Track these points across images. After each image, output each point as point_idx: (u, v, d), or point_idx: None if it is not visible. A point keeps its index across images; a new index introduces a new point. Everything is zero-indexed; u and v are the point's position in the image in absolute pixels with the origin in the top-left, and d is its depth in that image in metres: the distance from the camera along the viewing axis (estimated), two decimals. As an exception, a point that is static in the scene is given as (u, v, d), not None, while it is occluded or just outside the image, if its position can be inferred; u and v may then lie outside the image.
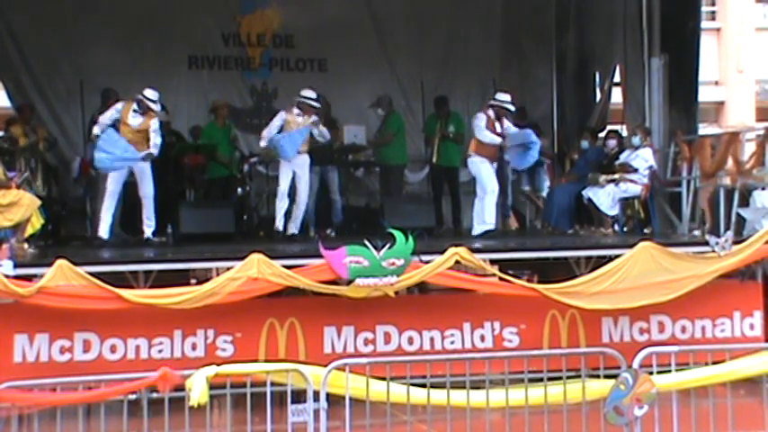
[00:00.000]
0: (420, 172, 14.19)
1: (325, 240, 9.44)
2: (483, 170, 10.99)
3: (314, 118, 10.64)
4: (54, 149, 12.67)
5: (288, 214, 10.73)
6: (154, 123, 10.22)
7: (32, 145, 11.43)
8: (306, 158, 10.73)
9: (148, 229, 10.41)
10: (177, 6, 13.82)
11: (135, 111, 10.14)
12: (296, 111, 10.69)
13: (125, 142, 10.06)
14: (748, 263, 9.38)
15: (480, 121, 11.06)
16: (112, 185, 10.22)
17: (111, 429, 5.96)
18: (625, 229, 11.53)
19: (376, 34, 14.85)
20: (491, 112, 11.09)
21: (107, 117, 10.15)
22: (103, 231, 10.26)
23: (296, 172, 10.67)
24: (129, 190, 10.95)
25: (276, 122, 10.67)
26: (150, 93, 10.21)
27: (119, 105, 10.23)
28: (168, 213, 11.28)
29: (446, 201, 13.09)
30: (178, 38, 13.99)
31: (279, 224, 10.71)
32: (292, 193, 10.73)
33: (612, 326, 9.34)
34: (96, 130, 10.20)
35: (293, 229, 10.70)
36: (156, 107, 10.31)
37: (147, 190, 10.32)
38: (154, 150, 10.19)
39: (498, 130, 11.03)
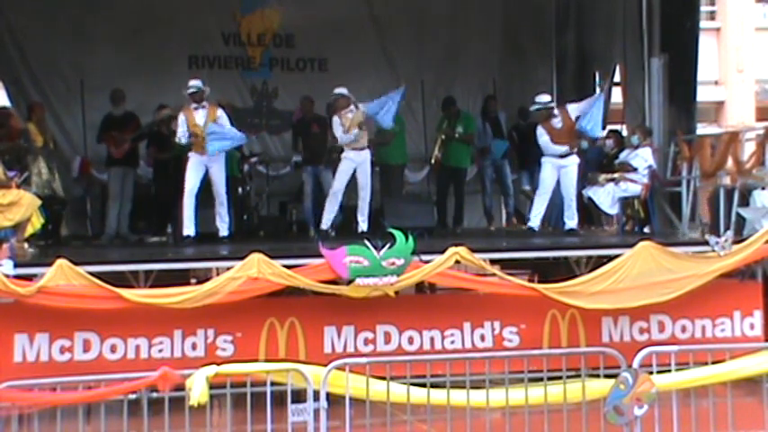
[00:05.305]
0: (420, 172, 14.18)
1: (325, 240, 9.44)
2: None
3: None
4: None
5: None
6: (219, 111, 10.42)
7: (47, 143, 11.39)
8: (367, 153, 10.80)
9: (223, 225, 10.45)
10: (177, 6, 13.81)
11: (195, 108, 10.33)
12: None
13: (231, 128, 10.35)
14: (748, 262, 9.38)
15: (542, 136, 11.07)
16: (191, 183, 10.19)
17: (111, 429, 5.96)
18: (626, 228, 11.52)
19: (376, 34, 14.86)
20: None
21: (182, 132, 10.29)
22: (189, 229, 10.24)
23: (357, 168, 10.72)
24: (136, 190, 10.90)
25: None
26: (194, 82, 10.48)
27: (181, 116, 10.33)
28: (168, 213, 11.26)
29: (449, 200, 13.05)
30: (178, 38, 13.99)
31: (326, 224, 10.78)
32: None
33: (612, 326, 9.33)
34: (184, 139, 10.33)
35: (363, 225, 10.78)
36: (206, 90, 10.49)
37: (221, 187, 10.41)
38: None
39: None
